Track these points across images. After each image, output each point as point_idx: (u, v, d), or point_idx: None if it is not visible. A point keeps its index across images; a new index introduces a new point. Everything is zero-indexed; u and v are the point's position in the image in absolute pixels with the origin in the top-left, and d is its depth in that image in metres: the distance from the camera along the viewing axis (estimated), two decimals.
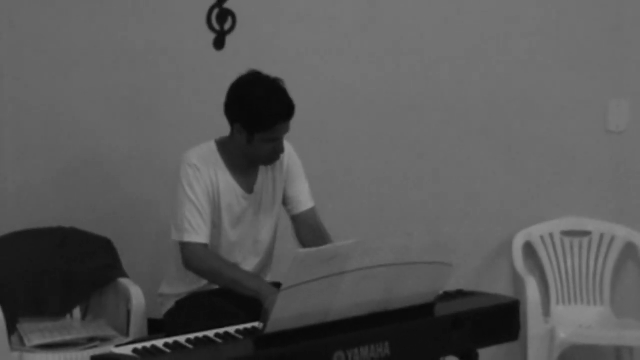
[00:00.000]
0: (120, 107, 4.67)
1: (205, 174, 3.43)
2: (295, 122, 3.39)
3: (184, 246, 3.40)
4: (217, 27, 4.60)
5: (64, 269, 4.29)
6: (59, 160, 4.68)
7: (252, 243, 3.57)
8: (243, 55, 4.55)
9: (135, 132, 4.68)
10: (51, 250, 4.32)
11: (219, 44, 4.61)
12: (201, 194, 3.40)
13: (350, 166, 4.70)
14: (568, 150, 4.71)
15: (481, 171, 4.72)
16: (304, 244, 3.58)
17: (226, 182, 3.47)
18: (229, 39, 4.61)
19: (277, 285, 3.39)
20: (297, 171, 3.64)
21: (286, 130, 3.42)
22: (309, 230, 3.62)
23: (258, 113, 3.33)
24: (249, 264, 3.55)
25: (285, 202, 3.66)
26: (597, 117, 4.68)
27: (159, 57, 4.64)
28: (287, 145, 3.55)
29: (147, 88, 4.66)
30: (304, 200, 3.64)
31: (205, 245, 3.40)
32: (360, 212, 4.68)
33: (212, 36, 4.61)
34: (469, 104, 4.68)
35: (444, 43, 4.66)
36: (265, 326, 2.58)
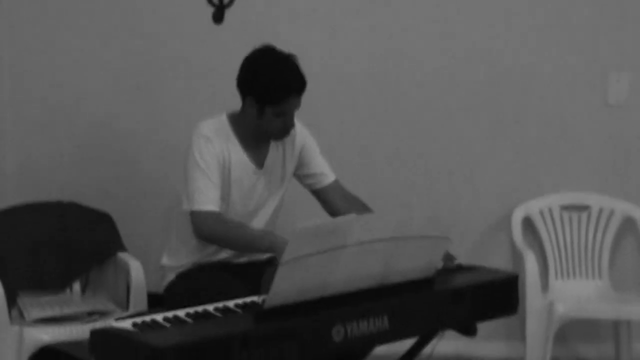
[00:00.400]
0: (120, 81, 4.66)
1: (217, 146, 3.41)
2: None
3: (195, 215, 3.37)
4: (216, 0, 4.58)
5: (64, 243, 4.29)
6: (59, 135, 4.67)
7: (259, 217, 3.56)
8: (242, 29, 4.54)
9: (135, 107, 4.68)
10: (51, 224, 4.32)
11: (218, 17, 4.59)
12: (212, 164, 3.39)
13: (348, 142, 4.69)
14: (567, 124, 4.71)
15: (480, 145, 4.72)
16: (341, 212, 3.55)
17: (237, 156, 3.46)
18: (228, 13, 4.60)
19: (270, 260, 3.41)
20: (313, 148, 3.65)
21: (297, 105, 3.41)
22: (342, 199, 3.65)
23: (269, 85, 3.33)
24: None
25: (306, 179, 3.68)
26: (597, 91, 4.68)
27: (159, 30, 4.63)
28: (298, 123, 3.55)
29: (147, 62, 4.65)
30: (328, 172, 3.68)
31: (215, 213, 3.39)
32: (358, 187, 4.67)
33: (210, 10, 4.59)
34: (469, 79, 4.68)
35: (446, 18, 4.65)
36: (264, 300, 2.58)
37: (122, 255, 4.22)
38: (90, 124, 4.67)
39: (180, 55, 4.64)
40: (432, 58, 4.67)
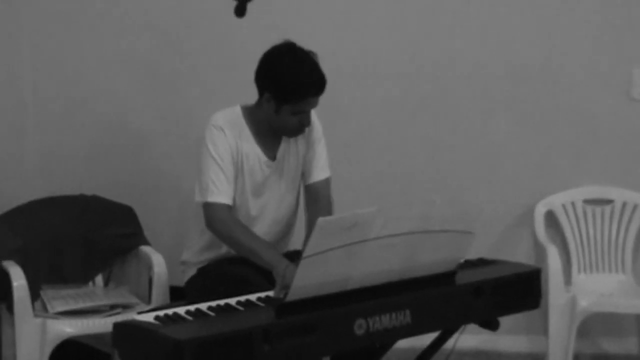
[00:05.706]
0: (142, 75, 4.68)
1: (230, 137, 3.40)
2: None
3: (207, 206, 3.37)
4: None
5: (86, 237, 4.31)
6: (81, 128, 4.69)
7: (274, 210, 3.54)
8: (264, 23, 4.54)
9: (157, 100, 4.69)
10: (73, 217, 4.34)
11: (240, 11, 4.59)
12: (225, 155, 3.38)
13: (370, 134, 4.70)
14: (591, 118, 4.69)
15: (503, 139, 4.71)
16: (309, 216, 3.56)
17: (250, 148, 3.45)
18: (250, 7, 4.60)
19: (291, 255, 3.39)
20: (316, 137, 3.58)
21: (315, 104, 3.37)
22: (315, 203, 3.57)
23: (288, 85, 3.29)
24: (271, 232, 3.53)
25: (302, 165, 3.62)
26: (620, 85, 4.65)
27: (181, 25, 4.64)
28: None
29: (169, 55, 4.67)
30: (319, 169, 3.59)
31: (228, 207, 3.38)
32: (382, 180, 4.68)
33: (233, 4, 4.59)
34: (492, 72, 4.67)
35: (470, 14, 4.64)
36: (286, 294, 2.59)
37: (144, 248, 4.22)
38: (112, 118, 4.69)
39: (201, 49, 4.64)
40: (456, 52, 4.66)
